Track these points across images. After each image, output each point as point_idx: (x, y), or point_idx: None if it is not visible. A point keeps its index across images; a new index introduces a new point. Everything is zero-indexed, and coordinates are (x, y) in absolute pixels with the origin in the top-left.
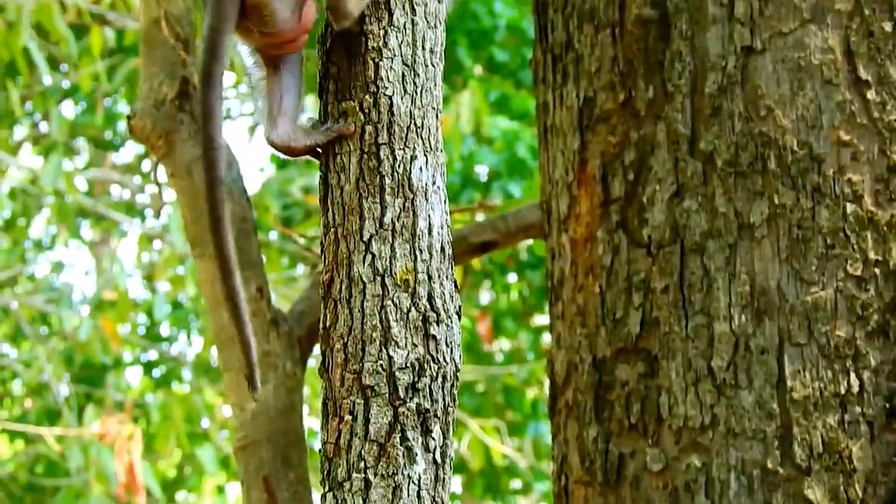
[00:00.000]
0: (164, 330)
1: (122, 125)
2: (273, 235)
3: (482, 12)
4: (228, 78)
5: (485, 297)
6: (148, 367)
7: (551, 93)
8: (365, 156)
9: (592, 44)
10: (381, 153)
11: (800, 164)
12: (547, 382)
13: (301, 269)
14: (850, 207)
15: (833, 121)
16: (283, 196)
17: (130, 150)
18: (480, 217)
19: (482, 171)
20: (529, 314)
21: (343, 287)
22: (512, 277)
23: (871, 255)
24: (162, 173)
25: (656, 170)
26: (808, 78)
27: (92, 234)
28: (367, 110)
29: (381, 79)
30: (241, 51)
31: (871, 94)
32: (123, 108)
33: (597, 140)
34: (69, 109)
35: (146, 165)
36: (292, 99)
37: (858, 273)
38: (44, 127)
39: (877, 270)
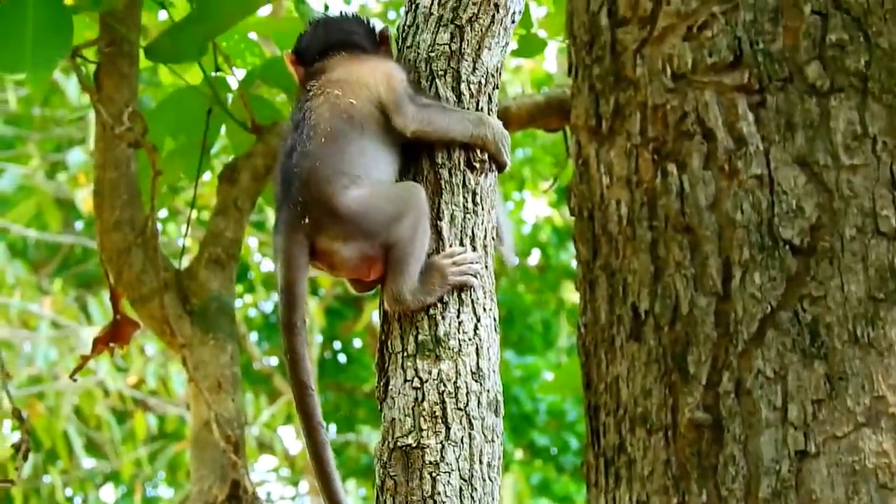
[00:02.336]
0: None
1: None
2: None
3: (523, 396)
4: (269, 462)
5: None
6: None
7: (603, 497)
8: None
9: (645, 447)
10: None
11: None
12: None
13: None
14: None
15: None
16: None
17: None
18: None
19: None
20: None
21: None
22: None
23: None
24: None
25: None
26: (862, 482)
27: None
28: None
29: (438, 493)
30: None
31: None
32: (164, 491)
33: None
34: (109, 493)
35: None
36: None
37: None
38: None
39: None
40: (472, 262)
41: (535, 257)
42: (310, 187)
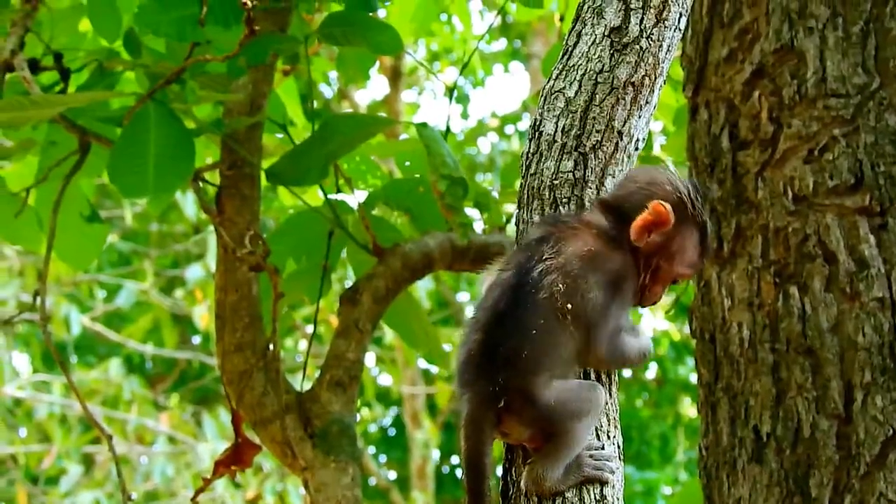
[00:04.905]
0: None
1: None
2: None
3: None
4: None
5: None
6: None
7: None
8: None
9: None
10: None
11: None
12: None
13: None
14: None
15: None
16: None
17: None
18: None
19: None
20: None
21: None
22: None
23: None
24: None
25: None
26: None
27: None
28: None
29: None
30: None
31: None
32: None
33: None
34: None
35: None
36: None
37: None
38: None
39: None
40: (608, 459)
41: (652, 371)
42: (515, 377)
